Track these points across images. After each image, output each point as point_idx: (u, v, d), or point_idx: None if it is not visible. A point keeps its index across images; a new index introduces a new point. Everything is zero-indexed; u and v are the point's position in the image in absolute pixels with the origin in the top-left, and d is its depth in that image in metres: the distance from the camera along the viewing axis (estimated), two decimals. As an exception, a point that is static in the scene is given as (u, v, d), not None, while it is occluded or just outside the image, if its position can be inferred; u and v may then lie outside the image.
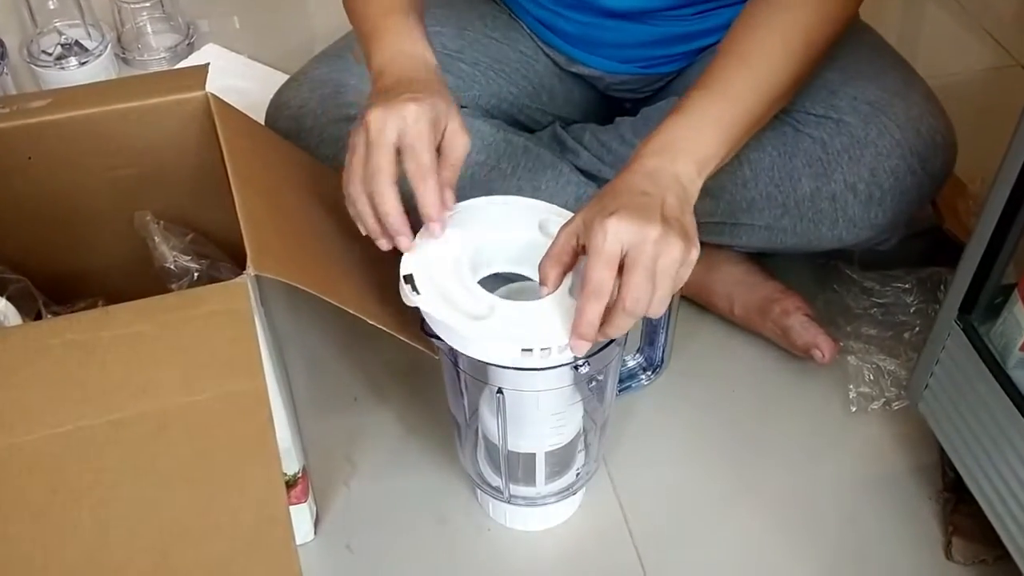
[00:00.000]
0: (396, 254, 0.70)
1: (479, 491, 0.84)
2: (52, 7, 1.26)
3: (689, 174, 0.65)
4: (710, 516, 0.85)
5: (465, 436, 0.81)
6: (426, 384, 0.96)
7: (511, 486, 0.79)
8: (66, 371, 0.56)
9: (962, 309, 0.74)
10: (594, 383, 0.72)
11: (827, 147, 0.84)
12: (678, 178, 0.65)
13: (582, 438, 0.79)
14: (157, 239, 0.78)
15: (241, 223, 0.63)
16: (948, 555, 0.82)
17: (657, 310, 0.61)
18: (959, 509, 0.83)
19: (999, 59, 1.36)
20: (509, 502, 0.80)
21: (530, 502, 0.81)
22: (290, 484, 0.78)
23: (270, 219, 0.69)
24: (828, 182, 0.84)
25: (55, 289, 0.81)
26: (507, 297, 0.68)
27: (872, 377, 0.93)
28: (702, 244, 0.63)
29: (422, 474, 0.88)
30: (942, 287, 0.97)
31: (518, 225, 0.72)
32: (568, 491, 0.81)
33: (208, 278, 0.78)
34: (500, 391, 0.70)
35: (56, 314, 0.79)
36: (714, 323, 1.00)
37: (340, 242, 0.77)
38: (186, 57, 1.35)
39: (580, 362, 0.66)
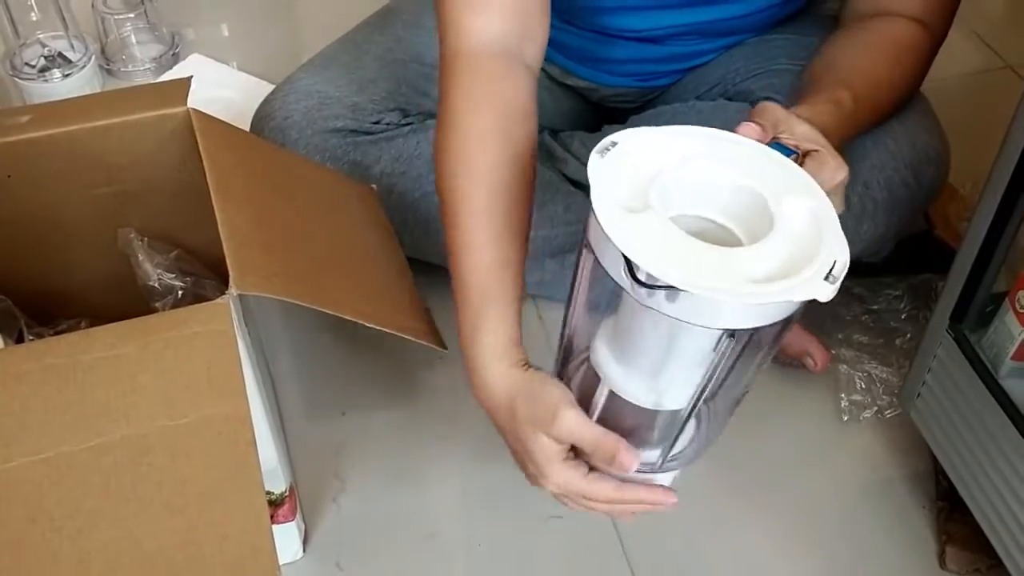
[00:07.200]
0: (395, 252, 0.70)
1: None
2: (35, 18, 1.25)
3: None
4: (701, 527, 0.85)
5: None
6: (415, 397, 0.95)
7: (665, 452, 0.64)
8: (45, 396, 0.55)
9: (953, 318, 0.73)
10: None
11: None
12: None
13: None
14: (141, 256, 0.78)
15: (223, 242, 0.62)
16: (942, 564, 0.82)
17: None
18: (953, 517, 0.83)
19: (988, 62, 1.36)
20: (662, 469, 0.66)
21: (652, 468, 0.66)
22: (277, 503, 0.77)
23: (255, 233, 0.68)
24: None
25: (37, 309, 0.80)
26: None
27: (864, 385, 0.92)
28: None
29: (412, 489, 0.88)
30: (933, 293, 0.97)
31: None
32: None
33: (193, 296, 0.77)
34: (732, 334, 0.53)
35: (39, 335, 0.78)
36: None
37: (336, 244, 0.76)
38: (171, 68, 1.34)
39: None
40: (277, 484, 0.76)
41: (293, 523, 0.80)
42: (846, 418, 0.91)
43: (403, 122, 0.94)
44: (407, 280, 0.82)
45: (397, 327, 0.71)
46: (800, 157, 0.62)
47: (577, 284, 0.58)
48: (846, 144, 0.72)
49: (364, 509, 0.86)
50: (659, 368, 0.58)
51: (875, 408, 0.92)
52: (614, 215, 0.50)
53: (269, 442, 0.73)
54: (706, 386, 0.57)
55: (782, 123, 0.62)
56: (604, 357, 0.60)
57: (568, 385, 0.63)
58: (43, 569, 0.50)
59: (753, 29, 0.93)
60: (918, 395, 0.79)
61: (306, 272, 0.70)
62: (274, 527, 0.70)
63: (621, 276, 0.50)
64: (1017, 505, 0.70)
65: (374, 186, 0.90)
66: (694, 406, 0.59)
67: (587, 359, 0.62)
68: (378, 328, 0.69)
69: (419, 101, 0.95)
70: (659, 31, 0.91)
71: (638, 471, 0.63)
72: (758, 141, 0.58)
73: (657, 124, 0.92)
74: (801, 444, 0.91)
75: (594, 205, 0.50)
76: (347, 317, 0.67)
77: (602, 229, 0.49)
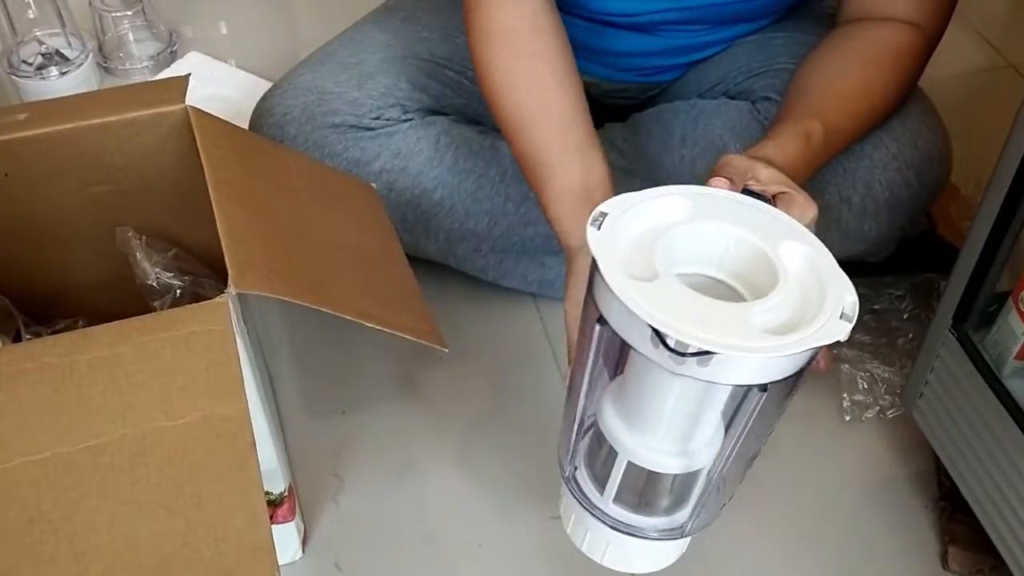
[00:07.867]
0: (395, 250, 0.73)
1: (594, 532, 0.66)
2: (32, 16, 1.25)
3: None
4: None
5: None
6: (415, 397, 0.94)
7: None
8: (42, 396, 0.54)
9: (956, 318, 0.73)
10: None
11: None
12: None
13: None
14: (139, 255, 0.77)
15: (222, 240, 0.62)
16: (944, 564, 0.81)
17: None
18: (955, 518, 0.82)
19: (990, 60, 1.35)
20: (686, 535, 0.66)
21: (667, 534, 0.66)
22: (276, 503, 0.77)
23: (254, 231, 0.67)
24: (821, 193, 0.83)
25: (35, 308, 0.80)
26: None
27: (866, 385, 0.92)
28: None
29: (411, 489, 0.87)
30: (936, 293, 0.97)
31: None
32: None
33: (191, 295, 0.77)
34: (764, 388, 0.52)
35: (36, 334, 0.78)
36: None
37: (335, 243, 0.76)
38: (169, 65, 1.33)
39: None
40: (276, 484, 0.76)
41: (292, 523, 0.80)
42: (848, 418, 0.91)
43: (403, 118, 0.94)
44: (407, 278, 0.82)
45: (397, 327, 0.70)
46: (771, 201, 0.62)
47: (590, 358, 0.57)
48: (815, 174, 0.74)
49: (364, 509, 0.86)
50: (687, 432, 0.58)
51: (877, 408, 0.91)
52: (629, 288, 0.50)
53: (268, 442, 0.72)
54: (738, 440, 0.57)
55: (748, 171, 0.62)
56: (619, 430, 0.59)
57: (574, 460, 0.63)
58: (40, 570, 0.50)
59: (750, 18, 0.93)
60: (920, 395, 0.79)
61: (305, 271, 0.69)
62: (273, 527, 0.69)
63: (647, 348, 0.50)
64: (1020, 505, 0.69)
65: (374, 184, 0.90)
66: (724, 464, 0.59)
67: (589, 430, 0.62)
68: (378, 328, 0.68)
69: (418, 97, 0.95)
70: (654, 15, 0.90)
71: (665, 537, 0.65)
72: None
73: (659, 122, 0.94)
74: (803, 444, 0.90)
75: (608, 281, 0.49)
76: (347, 316, 0.66)
77: (624, 305, 0.49)
